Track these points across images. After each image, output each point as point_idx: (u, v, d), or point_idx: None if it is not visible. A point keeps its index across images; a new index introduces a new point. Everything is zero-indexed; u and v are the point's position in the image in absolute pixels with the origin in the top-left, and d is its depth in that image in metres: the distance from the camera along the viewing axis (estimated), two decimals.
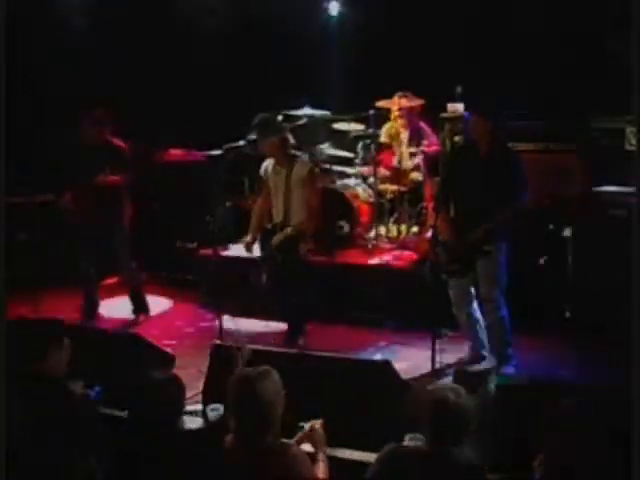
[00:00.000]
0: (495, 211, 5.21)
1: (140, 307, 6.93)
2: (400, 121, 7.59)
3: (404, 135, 7.57)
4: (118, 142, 6.65)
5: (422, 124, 7.59)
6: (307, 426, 3.52)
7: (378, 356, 5.81)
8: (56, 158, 6.93)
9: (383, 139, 7.67)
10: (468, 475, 3.00)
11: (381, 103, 7.49)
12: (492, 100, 5.83)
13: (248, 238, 6.17)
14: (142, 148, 8.14)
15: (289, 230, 5.88)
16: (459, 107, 7.03)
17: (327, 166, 7.77)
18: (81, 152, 6.56)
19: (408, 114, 7.54)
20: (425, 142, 7.50)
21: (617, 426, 2.77)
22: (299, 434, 3.51)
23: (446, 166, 6.07)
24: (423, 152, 7.42)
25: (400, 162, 7.54)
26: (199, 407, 4.40)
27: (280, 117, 6.00)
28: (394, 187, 7.52)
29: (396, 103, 7.49)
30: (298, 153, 6.13)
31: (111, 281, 7.50)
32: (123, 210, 6.74)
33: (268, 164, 6.04)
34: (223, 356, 4.43)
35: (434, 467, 3.00)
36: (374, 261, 7.07)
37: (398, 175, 7.53)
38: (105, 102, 6.79)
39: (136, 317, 6.89)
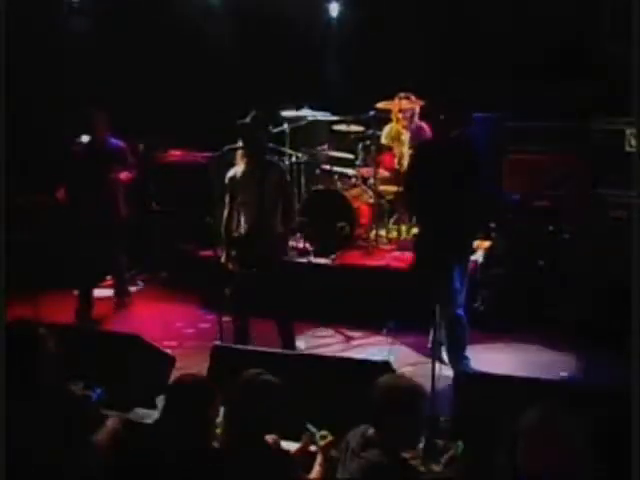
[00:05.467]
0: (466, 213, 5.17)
1: (121, 291, 7.26)
2: (401, 122, 7.59)
3: (405, 136, 7.57)
4: (118, 142, 6.82)
5: (423, 125, 7.59)
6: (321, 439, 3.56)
7: (378, 356, 5.80)
8: (57, 158, 7.00)
9: (383, 141, 7.67)
10: None
11: (382, 104, 7.49)
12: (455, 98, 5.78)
13: (224, 255, 5.54)
14: (143, 149, 8.18)
15: (268, 239, 5.39)
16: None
17: (327, 167, 7.77)
18: (83, 152, 6.73)
19: (410, 115, 7.55)
20: None
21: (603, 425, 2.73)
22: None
23: (412, 170, 5.74)
24: None
25: (400, 163, 7.53)
26: None
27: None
28: (394, 188, 7.51)
29: (397, 104, 7.49)
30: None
31: (110, 282, 7.51)
32: (119, 210, 6.89)
33: (237, 171, 5.46)
34: None
35: None
36: (374, 262, 7.08)
37: (398, 176, 7.51)
38: (105, 102, 6.81)
39: (119, 300, 7.24)
